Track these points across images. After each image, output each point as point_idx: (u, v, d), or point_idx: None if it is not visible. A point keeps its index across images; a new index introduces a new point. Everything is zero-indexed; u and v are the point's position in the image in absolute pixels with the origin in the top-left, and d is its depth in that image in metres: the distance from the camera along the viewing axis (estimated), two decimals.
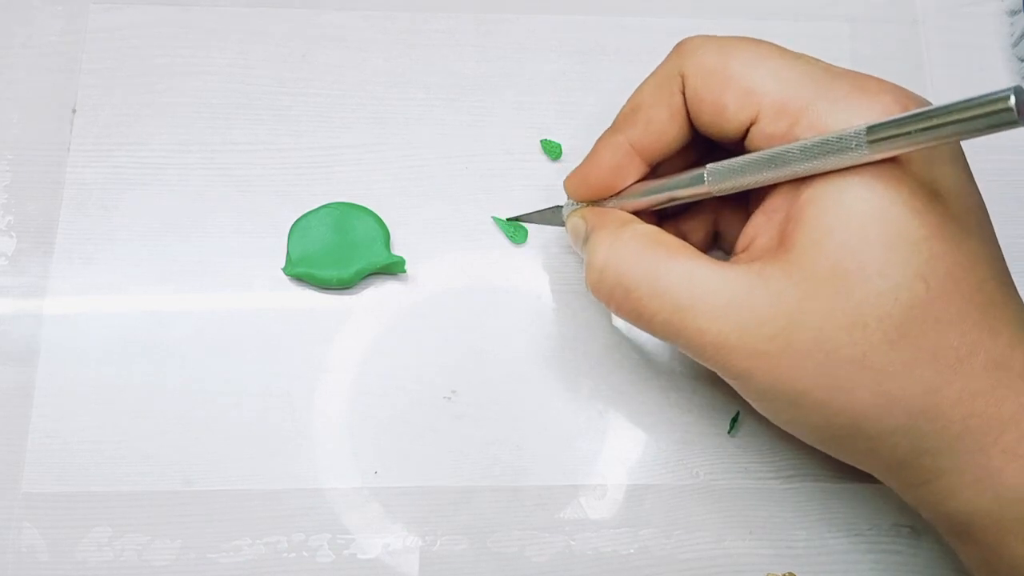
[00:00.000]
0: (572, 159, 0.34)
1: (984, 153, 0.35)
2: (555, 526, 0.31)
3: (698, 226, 0.31)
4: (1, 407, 0.31)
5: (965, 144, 0.35)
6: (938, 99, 0.35)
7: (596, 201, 0.29)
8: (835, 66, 0.25)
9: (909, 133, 0.21)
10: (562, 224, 0.32)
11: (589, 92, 0.35)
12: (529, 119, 0.35)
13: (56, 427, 0.31)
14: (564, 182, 0.30)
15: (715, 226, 0.31)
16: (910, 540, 0.31)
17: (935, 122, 0.20)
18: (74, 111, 0.34)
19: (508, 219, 0.33)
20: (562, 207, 0.31)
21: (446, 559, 0.30)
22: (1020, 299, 0.24)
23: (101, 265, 0.32)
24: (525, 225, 0.33)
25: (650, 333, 0.26)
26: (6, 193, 0.33)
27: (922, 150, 0.23)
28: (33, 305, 0.32)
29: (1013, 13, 0.36)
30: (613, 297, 0.26)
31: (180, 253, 0.33)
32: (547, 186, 0.34)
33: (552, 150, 0.34)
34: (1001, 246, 0.27)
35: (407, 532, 0.30)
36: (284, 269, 0.32)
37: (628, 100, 0.28)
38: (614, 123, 0.28)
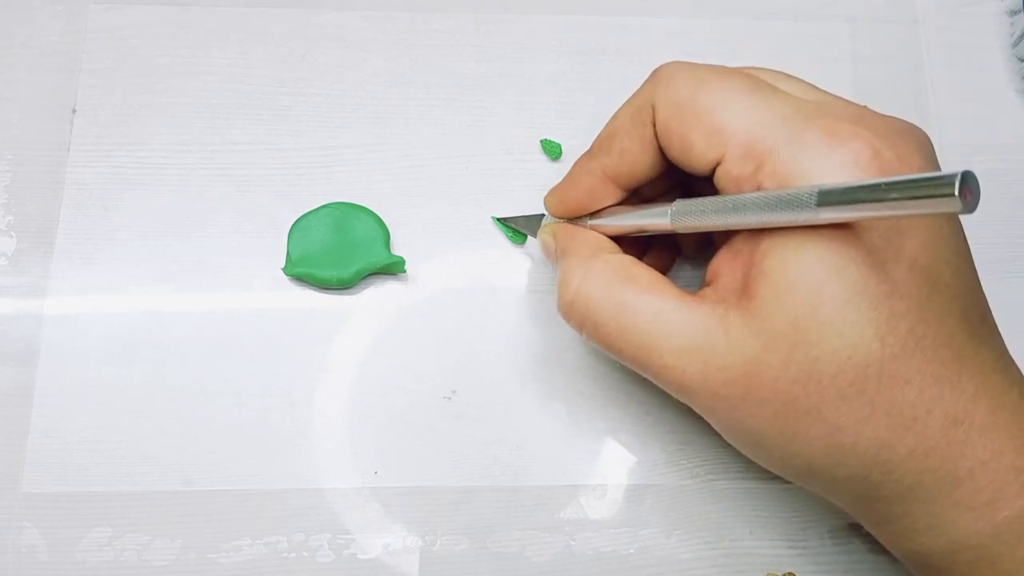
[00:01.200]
0: (572, 159, 0.34)
1: (984, 153, 0.35)
2: (555, 526, 0.31)
3: (691, 235, 0.31)
4: (1, 407, 0.31)
5: (966, 137, 0.36)
6: (939, 100, 0.36)
7: (573, 219, 0.29)
8: (817, 98, 0.25)
9: (856, 203, 0.20)
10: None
11: (589, 92, 0.35)
12: (529, 119, 0.35)
13: (56, 427, 0.31)
14: (544, 198, 0.30)
15: (708, 234, 0.30)
16: None
17: (883, 196, 0.20)
18: (74, 111, 0.34)
19: (498, 219, 0.33)
20: (543, 217, 0.31)
21: (446, 559, 0.30)
22: (995, 343, 0.24)
23: (101, 265, 0.32)
24: None
25: (620, 362, 0.26)
26: (6, 193, 0.33)
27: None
28: (33, 305, 0.32)
29: (1013, 13, 0.36)
30: (583, 328, 0.26)
31: (180, 253, 0.33)
32: (547, 186, 0.33)
33: (552, 150, 0.34)
34: (1002, 246, 0.27)
35: (407, 532, 0.30)
36: (284, 269, 0.32)
37: (606, 125, 0.28)
38: (591, 147, 0.28)
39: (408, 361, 0.32)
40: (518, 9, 0.36)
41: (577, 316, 0.26)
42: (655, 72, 0.26)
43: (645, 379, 0.32)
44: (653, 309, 0.24)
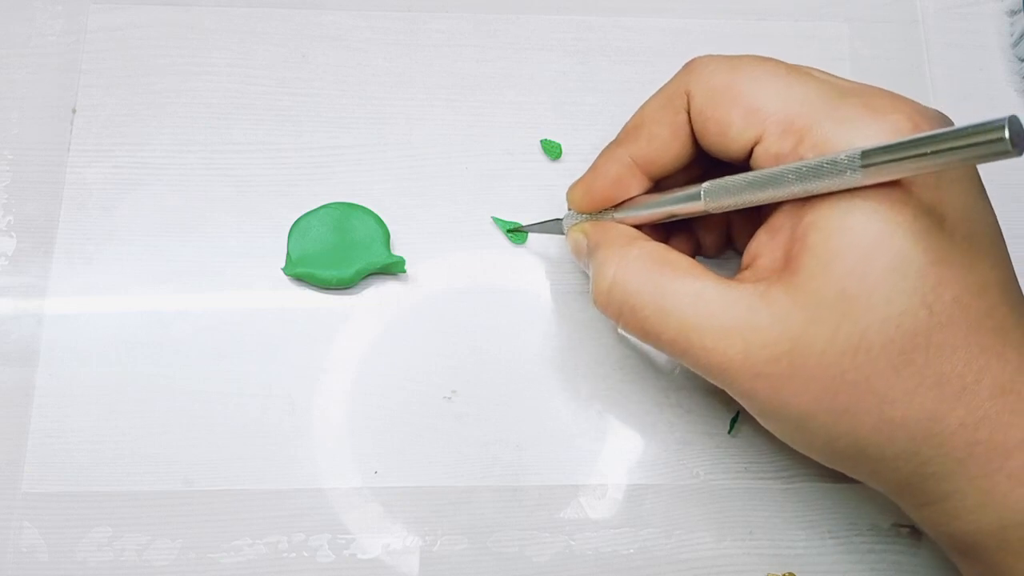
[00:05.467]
0: (572, 159, 0.34)
1: None
2: (555, 526, 0.31)
3: (712, 231, 0.31)
4: (1, 407, 0.31)
5: None
6: (939, 100, 0.36)
7: (597, 213, 0.29)
8: (848, 82, 0.25)
9: (902, 159, 0.20)
10: (562, 233, 0.32)
11: (589, 92, 0.35)
12: (529, 119, 0.35)
13: (56, 427, 0.31)
14: (567, 193, 0.30)
15: (728, 231, 0.31)
16: (910, 540, 0.31)
17: (929, 149, 0.20)
18: (74, 111, 0.34)
19: (509, 230, 0.33)
20: (562, 219, 0.31)
21: (446, 559, 0.30)
22: None
23: (101, 265, 0.32)
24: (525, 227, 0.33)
25: (657, 349, 0.26)
26: (6, 193, 0.33)
27: (922, 175, 0.22)
28: (33, 305, 0.32)
29: (1013, 13, 0.36)
30: (621, 315, 0.26)
31: (180, 253, 0.33)
32: (547, 186, 0.34)
33: (552, 150, 0.34)
34: None
35: (407, 532, 0.30)
36: (284, 269, 0.32)
37: (632, 116, 0.28)
38: (617, 137, 0.28)
39: (408, 361, 0.32)
40: (518, 9, 0.36)
41: (614, 304, 0.26)
42: (688, 63, 0.27)
43: (645, 379, 0.32)
44: (692, 291, 0.24)
